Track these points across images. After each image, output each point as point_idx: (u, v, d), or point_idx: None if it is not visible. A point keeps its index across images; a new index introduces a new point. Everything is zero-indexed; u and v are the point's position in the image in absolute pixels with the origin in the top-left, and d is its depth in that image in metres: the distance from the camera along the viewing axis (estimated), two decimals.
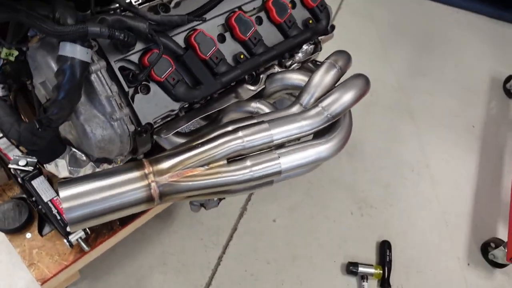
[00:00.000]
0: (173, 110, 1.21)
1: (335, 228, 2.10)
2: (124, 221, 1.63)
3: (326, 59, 1.24)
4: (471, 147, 2.52)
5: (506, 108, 2.73)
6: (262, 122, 1.11)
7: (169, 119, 1.24)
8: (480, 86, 2.83)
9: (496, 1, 3.22)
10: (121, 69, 1.12)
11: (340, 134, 1.16)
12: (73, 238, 1.39)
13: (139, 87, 1.14)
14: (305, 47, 1.46)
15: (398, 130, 2.50)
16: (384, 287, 1.92)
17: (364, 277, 1.93)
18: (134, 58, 1.13)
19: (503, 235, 2.12)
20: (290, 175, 1.18)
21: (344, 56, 1.26)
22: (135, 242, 1.90)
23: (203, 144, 1.06)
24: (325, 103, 1.14)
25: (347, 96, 1.15)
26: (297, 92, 1.35)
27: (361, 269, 1.94)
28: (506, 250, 1.92)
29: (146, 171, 1.01)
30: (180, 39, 1.20)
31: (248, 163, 1.07)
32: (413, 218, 2.18)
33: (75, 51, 0.97)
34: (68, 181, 0.96)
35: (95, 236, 1.56)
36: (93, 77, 1.05)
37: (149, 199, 1.01)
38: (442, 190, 2.31)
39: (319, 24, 1.43)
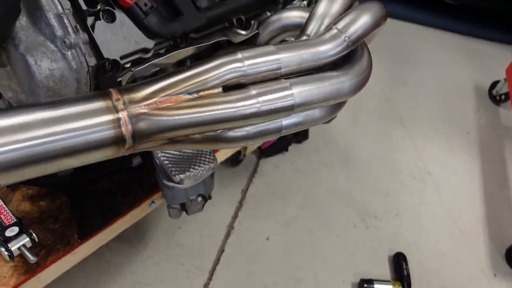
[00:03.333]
0: (146, 51, 0.93)
1: (340, 243, 1.78)
2: (85, 234, 1.27)
3: None
4: (469, 152, 2.31)
5: (496, 115, 2.59)
6: (267, 45, 0.85)
7: (138, 68, 0.96)
8: (465, 94, 2.70)
9: (466, 18, 3.22)
10: None
11: (362, 63, 0.91)
12: (14, 245, 1.04)
13: (100, 13, 0.87)
14: None
15: (391, 137, 2.28)
16: None
17: None
18: None
19: None
20: (301, 122, 0.91)
21: None
22: (100, 274, 1.52)
23: (190, 68, 0.79)
24: (340, 24, 0.90)
25: (365, 18, 0.92)
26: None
27: (377, 286, 1.62)
28: None
29: (114, 99, 0.72)
30: None
31: (253, 91, 0.80)
32: (424, 228, 1.90)
33: None
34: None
35: (46, 252, 1.20)
36: None
37: (118, 139, 0.71)
38: (449, 196, 2.06)
39: None
